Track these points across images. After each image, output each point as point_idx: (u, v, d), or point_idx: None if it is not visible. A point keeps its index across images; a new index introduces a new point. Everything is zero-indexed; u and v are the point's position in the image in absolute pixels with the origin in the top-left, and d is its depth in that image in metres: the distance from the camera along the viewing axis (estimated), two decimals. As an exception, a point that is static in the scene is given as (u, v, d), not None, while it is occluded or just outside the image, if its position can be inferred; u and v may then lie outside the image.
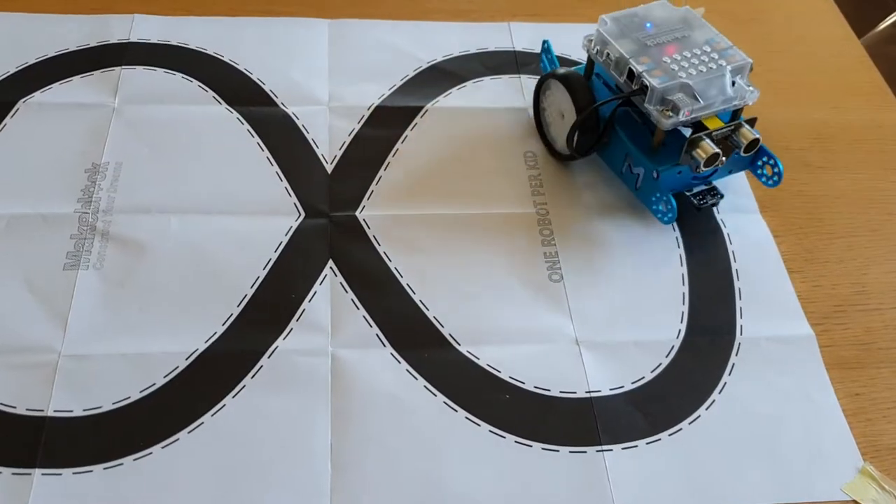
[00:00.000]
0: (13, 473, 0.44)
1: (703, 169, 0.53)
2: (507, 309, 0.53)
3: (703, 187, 0.57)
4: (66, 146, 0.58)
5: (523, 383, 0.50)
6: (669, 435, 0.48)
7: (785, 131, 0.66)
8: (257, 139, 0.61)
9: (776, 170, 0.56)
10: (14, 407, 0.46)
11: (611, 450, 0.47)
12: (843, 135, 0.67)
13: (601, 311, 0.54)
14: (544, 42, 0.64)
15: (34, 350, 0.49)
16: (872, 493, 0.47)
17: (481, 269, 0.55)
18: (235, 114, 0.62)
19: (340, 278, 0.54)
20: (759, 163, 0.57)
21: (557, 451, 0.47)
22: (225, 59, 0.66)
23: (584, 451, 0.47)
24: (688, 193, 0.56)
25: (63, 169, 0.57)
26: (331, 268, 0.54)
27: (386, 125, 0.63)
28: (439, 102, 0.65)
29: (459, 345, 0.51)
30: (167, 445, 0.46)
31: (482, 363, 0.51)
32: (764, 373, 0.51)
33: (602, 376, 0.50)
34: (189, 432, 0.46)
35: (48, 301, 0.51)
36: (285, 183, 0.59)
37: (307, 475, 0.45)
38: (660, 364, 0.51)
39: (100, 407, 0.47)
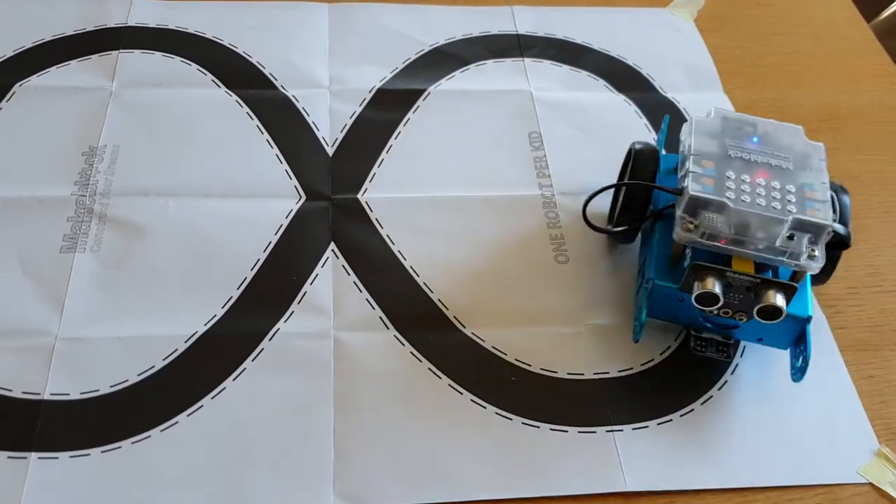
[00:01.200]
0: (9, 457, 0.43)
1: (696, 304, 0.44)
2: (512, 291, 0.52)
3: (717, 337, 0.48)
4: (63, 130, 0.57)
5: (529, 365, 0.49)
6: (681, 416, 0.47)
7: (794, 113, 0.65)
8: (256, 122, 0.60)
9: (803, 364, 0.45)
10: (10, 390, 0.45)
11: (621, 430, 0.46)
12: (854, 117, 0.66)
13: (608, 293, 0.52)
14: (666, 118, 0.56)
15: (30, 333, 0.47)
16: (889, 476, 0.46)
17: (486, 251, 0.54)
18: (234, 97, 0.61)
19: (342, 261, 0.53)
20: (798, 349, 0.47)
21: (566, 431, 0.46)
22: (224, 42, 0.65)
23: (594, 432, 0.46)
24: (693, 332, 0.48)
25: (60, 152, 0.56)
26: (332, 250, 0.53)
27: (388, 108, 0.62)
28: (442, 85, 0.64)
29: (464, 327, 0.50)
30: (166, 429, 0.45)
31: (487, 345, 0.49)
32: (775, 355, 0.50)
33: (611, 358, 0.49)
34: (188, 415, 0.45)
35: (44, 284, 0.49)
36: (285, 165, 0.57)
37: (310, 459, 0.44)
38: (668, 346, 0.50)
39: (97, 390, 0.46)
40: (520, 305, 0.51)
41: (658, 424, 0.47)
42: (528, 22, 0.70)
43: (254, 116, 0.60)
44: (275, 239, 0.53)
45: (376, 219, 0.55)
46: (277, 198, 0.55)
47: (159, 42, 0.64)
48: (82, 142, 0.57)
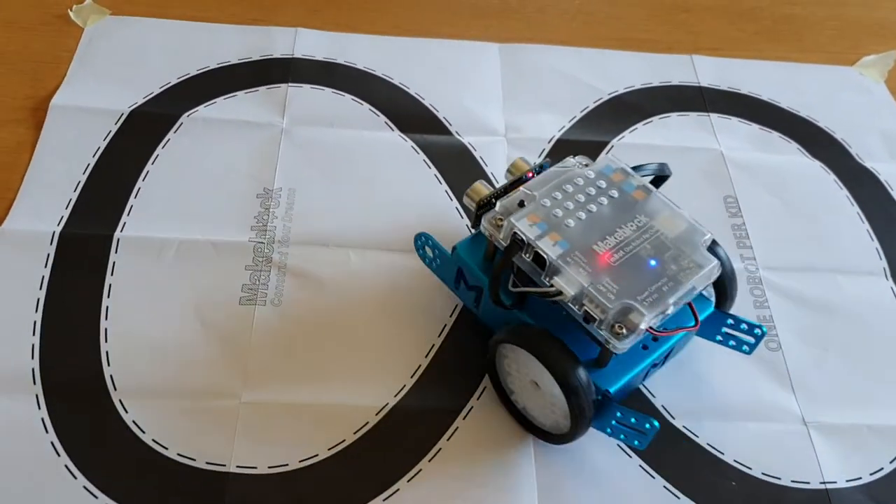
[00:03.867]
0: (196, 536, 0.40)
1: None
2: (722, 379, 0.48)
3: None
4: (235, 167, 0.55)
5: (750, 469, 0.44)
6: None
7: None
8: (434, 170, 0.56)
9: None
10: (193, 459, 0.42)
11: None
12: None
13: (827, 387, 0.48)
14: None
15: (212, 395, 0.44)
16: None
17: (688, 330, 0.50)
18: (410, 142, 0.58)
19: (534, 331, 0.49)
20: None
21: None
22: (395, 81, 0.62)
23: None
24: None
25: (234, 192, 0.53)
26: (522, 318, 0.49)
27: (570, 162, 0.58)
28: (625, 139, 0.60)
29: (674, 418, 0.46)
30: (362, 514, 0.41)
31: (701, 441, 0.45)
32: None
33: (837, 465, 0.45)
34: (384, 500, 0.42)
35: (225, 340, 0.46)
36: (466, 220, 0.54)
37: (515, 560, 0.40)
38: None
39: (286, 465, 0.43)
40: (731, 396, 0.47)
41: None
42: (709, 74, 0.65)
43: (431, 164, 0.57)
44: (461, 302, 0.50)
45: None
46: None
47: (328, 77, 0.61)
48: (256, 182, 0.54)
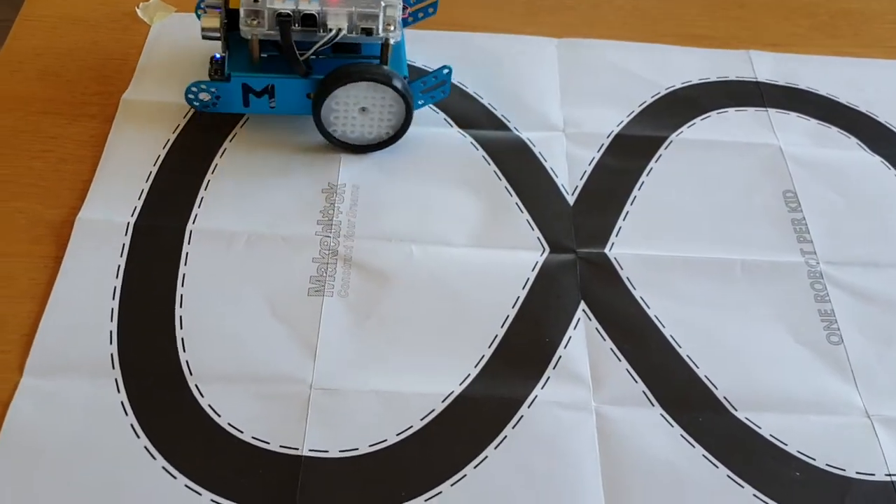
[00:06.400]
0: (272, 517, 0.41)
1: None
2: (783, 371, 0.48)
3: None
4: (300, 163, 0.56)
5: (814, 460, 0.45)
6: None
7: None
8: (494, 166, 0.57)
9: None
10: (268, 442, 0.44)
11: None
12: None
13: (890, 380, 0.48)
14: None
15: (285, 381, 0.46)
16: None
17: (748, 323, 0.50)
18: (469, 138, 0.59)
19: (595, 323, 0.49)
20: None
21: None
22: (453, 78, 0.62)
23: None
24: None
25: (299, 187, 0.54)
26: (583, 310, 0.50)
27: (628, 156, 0.58)
28: (683, 133, 0.60)
29: (736, 410, 0.46)
30: (430, 498, 0.42)
31: (764, 433, 0.45)
32: None
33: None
34: (452, 485, 0.43)
35: (295, 328, 0.48)
36: (526, 214, 0.55)
37: (581, 546, 0.41)
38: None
39: (356, 449, 0.44)
40: (794, 389, 0.47)
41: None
42: (766, 69, 0.65)
43: (490, 160, 0.57)
44: (523, 294, 0.50)
45: (627, 278, 0.52)
46: (521, 249, 0.53)
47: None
48: (321, 178, 0.55)
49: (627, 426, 0.45)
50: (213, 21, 0.53)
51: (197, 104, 0.55)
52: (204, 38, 0.53)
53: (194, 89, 0.54)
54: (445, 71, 0.55)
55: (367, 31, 0.51)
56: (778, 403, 0.46)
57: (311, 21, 0.50)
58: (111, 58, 0.62)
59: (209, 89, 0.54)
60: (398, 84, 0.52)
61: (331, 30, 0.50)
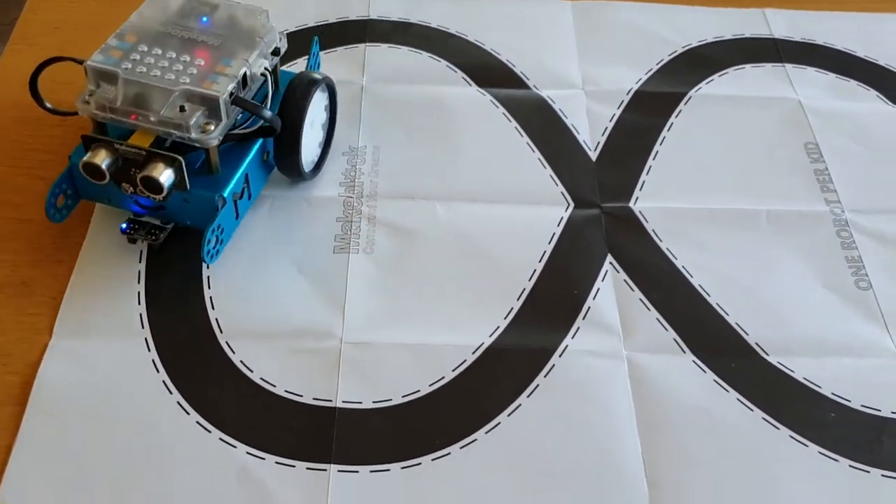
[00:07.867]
0: (308, 468, 0.41)
1: (85, 175, 0.43)
2: (813, 317, 0.48)
3: (154, 221, 0.46)
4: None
5: (849, 401, 0.44)
6: None
7: None
8: (514, 123, 0.57)
9: (216, 246, 0.45)
10: (301, 395, 0.43)
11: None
12: None
13: (922, 324, 0.48)
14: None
15: (315, 335, 0.46)
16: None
17: (776, 271, 0.50)
18: (489, 96, 0.58)
19: (623, 275, 0.49)
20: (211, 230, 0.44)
21: (903, 479, 0.42)
22: (469, 38, 0.62)
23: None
24: (130, 217, 0.47)
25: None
26: (610, 263, 0.50)
27: (648, 112, 0.58)
28: (702, 89, 0.60)
29: (768, 355, 0.46)
30: (465, 446, 0.42)
31: (798, 377, 0.45)
32: None
33: (936, 397, 0.45)
34: (486, 433, 0.43)
35: (323, 285, 0.48)
36: (549, 171, 0.54)
37: (619, 490, 0.41)
38: None
39: (389, 399, 0.44)
40: (825, 333, 0.47)
41: None
42: (782, 26, 0.65)
43: (511, 118, 0.57)
44: (549, 248, 0.50)
45: (653, 230, 0.51)
46: (545, 205, 0.53)
47: (404, 36, 0.62)
48: (342, 140, 0.55)
49: (660, 372, 0.45)
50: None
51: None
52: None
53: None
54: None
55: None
56: (810, 348, 0.46)
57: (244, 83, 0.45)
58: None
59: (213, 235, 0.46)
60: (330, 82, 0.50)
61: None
